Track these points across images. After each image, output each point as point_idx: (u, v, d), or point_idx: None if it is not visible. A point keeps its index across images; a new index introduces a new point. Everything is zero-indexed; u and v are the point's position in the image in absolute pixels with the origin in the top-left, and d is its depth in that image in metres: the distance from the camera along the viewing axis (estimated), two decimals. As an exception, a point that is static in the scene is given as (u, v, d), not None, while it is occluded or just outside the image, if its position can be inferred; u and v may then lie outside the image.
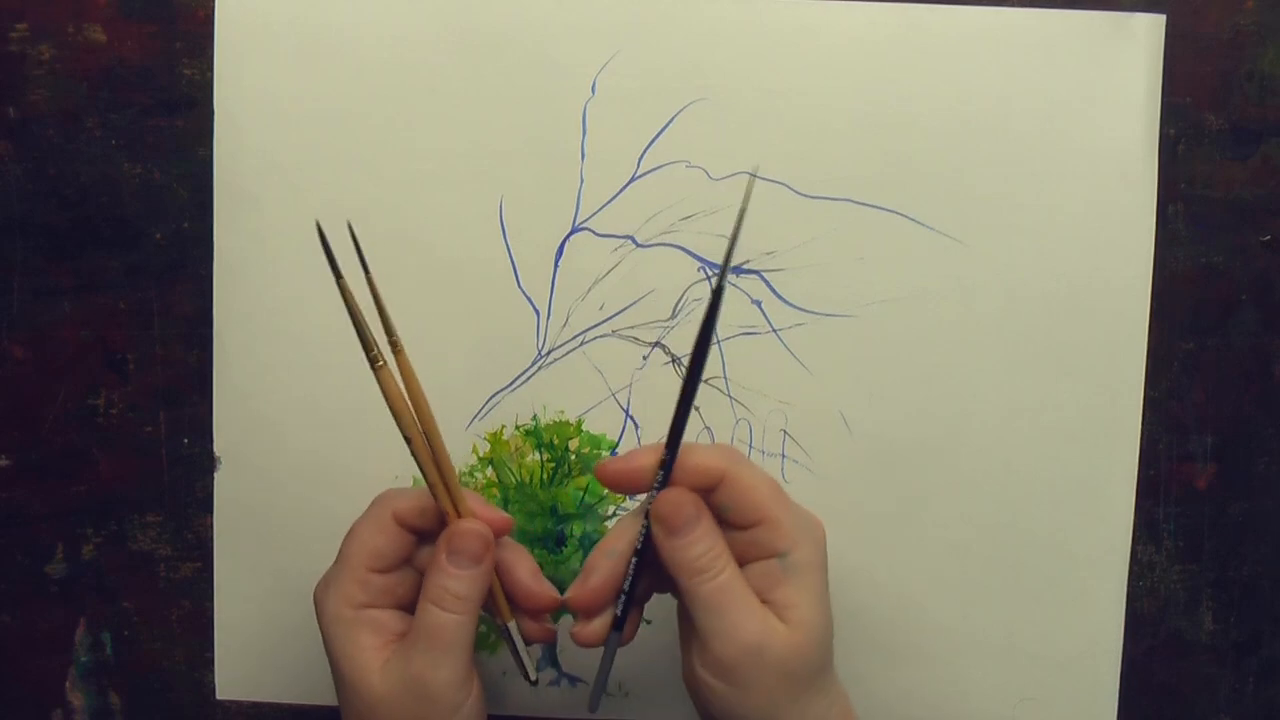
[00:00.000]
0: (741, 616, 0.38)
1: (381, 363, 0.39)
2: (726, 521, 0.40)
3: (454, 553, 0.39)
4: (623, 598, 0.41)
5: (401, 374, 0.40)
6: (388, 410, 0.48)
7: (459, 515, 0.40)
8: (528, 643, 0.42)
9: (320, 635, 0.41)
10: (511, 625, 0.42)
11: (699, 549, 0.39)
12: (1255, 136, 0.48)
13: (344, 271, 0.39)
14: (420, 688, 0.39)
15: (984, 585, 0.49)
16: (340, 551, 0.41)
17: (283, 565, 0.49)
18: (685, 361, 0.48)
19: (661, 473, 0.40)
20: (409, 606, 0.41)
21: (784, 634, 0.38)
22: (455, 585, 0.39)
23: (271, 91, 0.48)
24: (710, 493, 0.40)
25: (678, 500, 0.39)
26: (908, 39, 0.47)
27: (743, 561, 0.40)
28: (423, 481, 0.49)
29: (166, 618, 0.50)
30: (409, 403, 0.40)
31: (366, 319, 0.39)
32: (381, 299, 0.39)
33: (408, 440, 0.40)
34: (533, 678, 0.43)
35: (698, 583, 0.39)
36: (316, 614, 0.41)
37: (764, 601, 0.39)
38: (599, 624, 0.41)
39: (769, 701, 0.38)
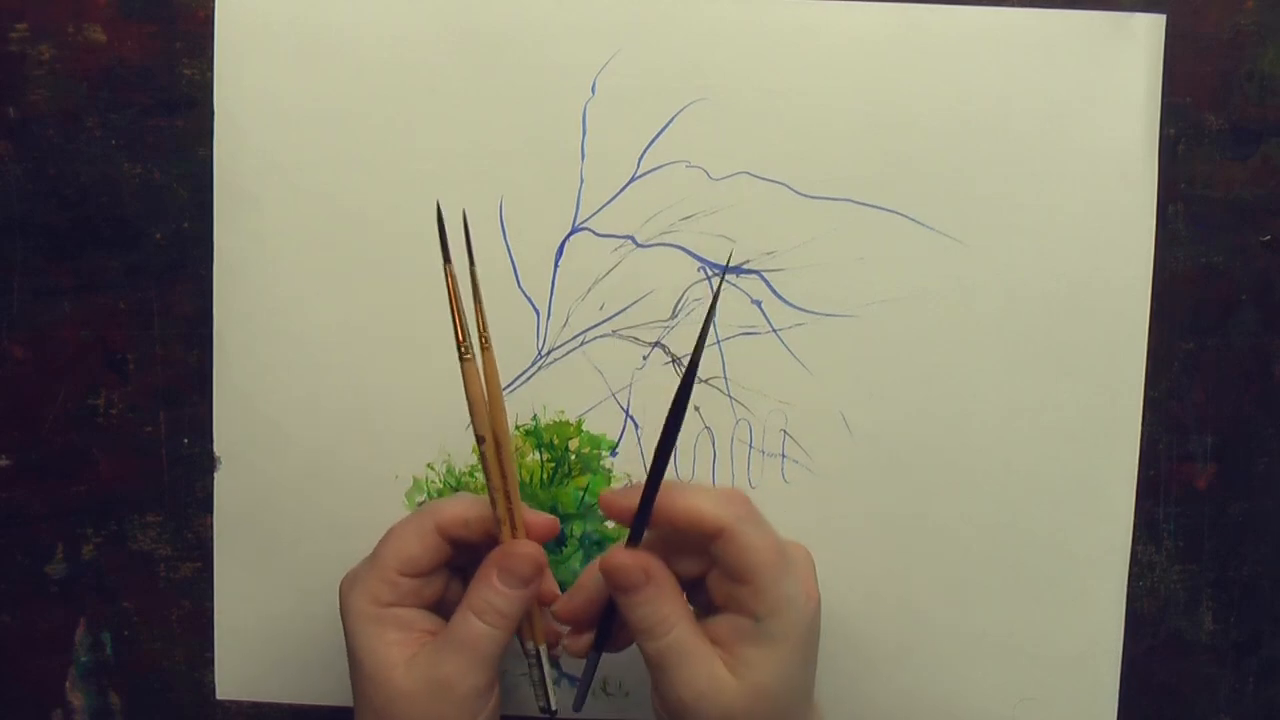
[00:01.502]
0: (686, 673, 0.38)
1: (469, 355, 0.39)
2: (721, 569, 0.40)
3: (506, 572, 0.40)
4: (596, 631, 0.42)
5: (485, 373, 0.40)
6: (386, 411, 0.49)
7: (513, 525, 0.40)
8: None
9: (326, 626, 0.41)
10: (542, 648, 0.42)
11: (644, 611, 0.39)
12: (1255, 136, 0.48)
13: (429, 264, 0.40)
14: (446, 690, 0.39)
15: (984, 585, 0.49)
16: (375, 551, 0.41)
17: (283, 565, 0.49)
18: (684, 363, 0.48)
19: (636, 520, 0.40)
20: (433, 606, 0.42)
21: (734, 691, 0.38)
22: (500, 602, 0.40)
23: (271, 91, 0.48)
24: (711, 540, 0.39)
25: (623, 564, 0.39)
26: (908, 39, 0.47)
27: (724, 608, 0.40)
28: (425, 479, 0.49)
29: (166, 618, 0.50)
30: (488, 402, 0.40)
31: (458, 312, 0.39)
32: (480, 294, 0.39)
33: (480, 439, 0.40)
34: (553, 707, 0.43)
35: (644, 640, 0.39)
36: (340, 607, 0.41)
37: (730, 653, 0.39)
38: (585, 639, 0.42)
39: None
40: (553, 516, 0.42)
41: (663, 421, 0.40)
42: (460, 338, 0.39)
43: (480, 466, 0.49)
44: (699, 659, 0.39)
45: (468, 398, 0.40)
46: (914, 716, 0.49)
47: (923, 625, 0.49)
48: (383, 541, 0.41)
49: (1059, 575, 0.49)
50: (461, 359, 0.39)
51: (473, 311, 0.40)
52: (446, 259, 0.39)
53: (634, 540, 0.40)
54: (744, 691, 0.38)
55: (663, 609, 0.39)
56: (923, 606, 0.49)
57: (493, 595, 0.39)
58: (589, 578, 0.42)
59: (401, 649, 0.40)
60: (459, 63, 0.48)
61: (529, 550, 0.40)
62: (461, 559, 0.42)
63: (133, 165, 0.48)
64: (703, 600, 0.41)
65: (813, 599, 0.40)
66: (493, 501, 0.40)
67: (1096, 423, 0.48)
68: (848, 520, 0.48)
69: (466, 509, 0.41)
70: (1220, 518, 0.49)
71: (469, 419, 0.42)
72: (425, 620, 0.41)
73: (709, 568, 0.41)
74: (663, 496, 0.39)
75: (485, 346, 0.40)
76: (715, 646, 0.39)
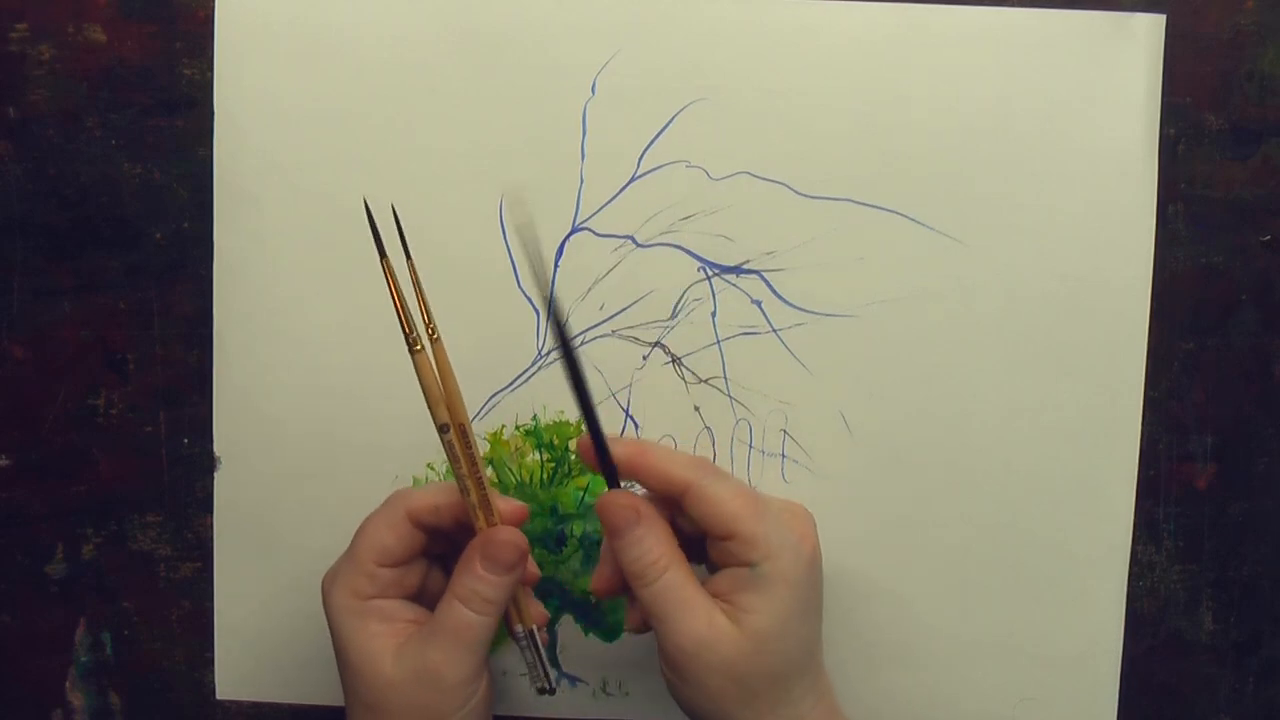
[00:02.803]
0: (685, 621, 0.39)
1: (420, 347, 0.39)
2: (703, 529, 0.40)
3: (489, 559, 0.40)
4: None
5: (438, 364, 0.40)
6: (386, 411, 0.49)
7: (486, 512, 0.40)
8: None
9: (325, 625, 0.41)
10: (533, 629, 0.42)
11: (636, 552, 0.39)
12: (1255, 136, 0.48)
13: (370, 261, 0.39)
14: (435, 679, 0.39)
15: (984, 585, 0.49)
16: (351, 545, 0.41)
17: (283, 565, 0.49)
18: (685, 363, 0.49)
19: (602, 467, 0.41)
20: (415, 595, 0.42)
21: (733, 638, 0.39)
22: (485, 589, 0.40)
23: (271, 91, 0.48)
24: (681, 499, 0.40)
25: (615, 502, 0.40)
26: (908, 39, 0.47)
27: (719, 565, 0.40)
28: (425, 479, 0.49)
29: (166, 618, 0.50)
30: (444, 392, 0.40)
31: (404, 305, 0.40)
32: (422, 286, 0.39)
33: (443, 429, 0.40)
34: (551, 687, 0.43)
35: (637, 586, 0.40)
36: (323, 603, 0.41)
37: (728, 602, 0.39)
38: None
39: (718, 701, 0.39)
40: (522, 503, 0.42)
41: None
42: (407, 329, 0.39)
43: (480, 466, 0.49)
44: (697, 606, 0.39)
45: (423, 389, 0.40)
46: (914, 716, 0.49)
47: (923, 625, 0.49)
48: (357, 535, 0.41)
49: (1059, 575, 0.49)
50: (411, 351, 0.39)
51: (417, 303, 0.40)
52: (382, 254, 0.39)
53: (613, 486, 0.41)
54: (744, 638, 0.39)
55: (654, 550, 0.39)
56: (923, 606, 0.49)
57: (477, 582, 0.39)
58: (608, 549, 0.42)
59: (387, 640, 0.40)
60: (459, 63, 0.48)
61: (510, 537, 0.40)
62: (438, 547, 0.42)
63: (133, 165, 0.48)
64: (706, 565, 0.42)
65: (808, 543, 0.41)
66: (464, 490, 0.40)
67: (1096, 423, 0.48)
68: (848, 520, 0.48)
69: (435, 496, 0.41)
70: (1220, 518, 0.49)
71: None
72: (408, 610, 0.41)
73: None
74: (635, 455, 0.40)
75: (434, 337, 0.40)
76: (716, 599, 0.40)
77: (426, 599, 0.42)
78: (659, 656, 0.40)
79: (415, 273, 0.39)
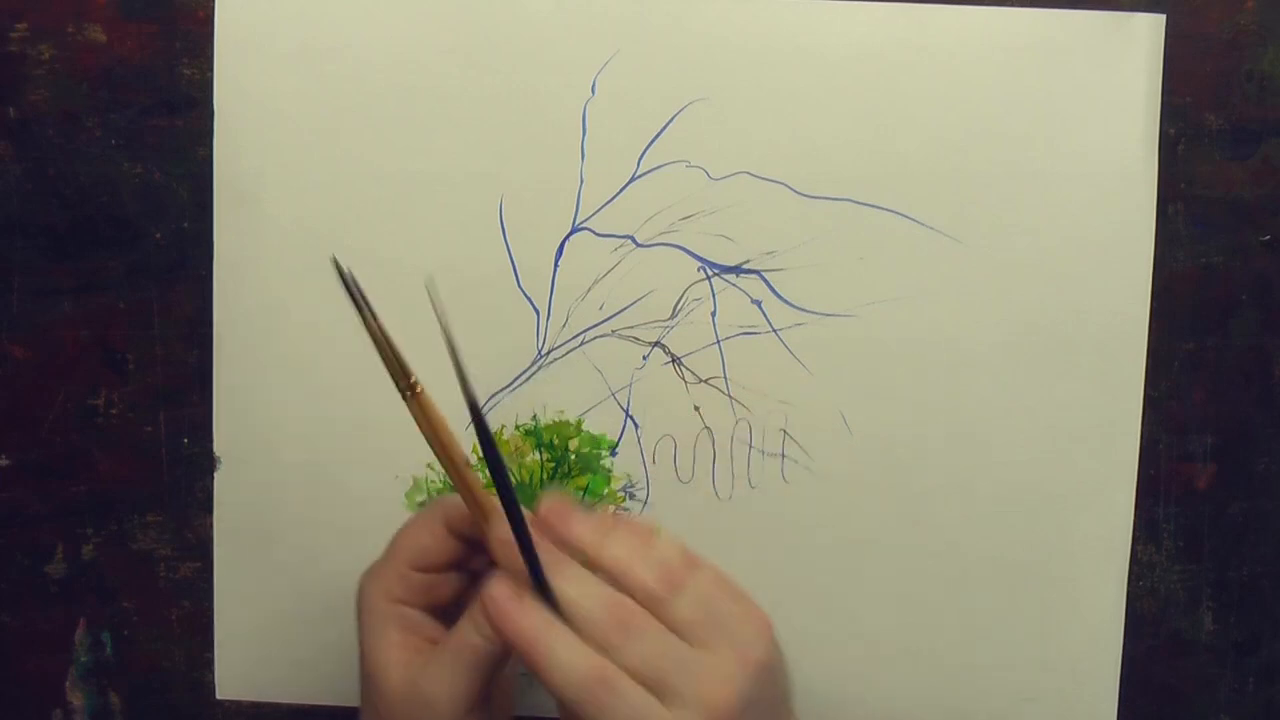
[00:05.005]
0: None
1: (419, 389, 0.38)
2: None
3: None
4: None
5: (425, 412, 0.39)
6: (386, 411, 0.48)
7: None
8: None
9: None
10: None
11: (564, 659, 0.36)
12: (1255, 136, 0.48)
13: (355, 309, 0.38)
14: (426, 697, 0.38)
15: (983, 585, 0.49)
16: (390, 545, 0.41)
17: (283, 565, 0.49)
18: (684, 363, 0.49)
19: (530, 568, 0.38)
20: (444, 611, 0.41)
21: None
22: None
23: (271, 91, 0.48)
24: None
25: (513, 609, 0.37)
26: (908, 39, 0.47)
27: None
28: (425, 479, 0.49)
29: (166, 618, 0.50)
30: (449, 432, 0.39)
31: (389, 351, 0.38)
32: (393, 341, 0.38)
33: (450, 465, 0.39)
34: None
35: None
36: (356, 599, 0.40)
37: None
38: None
39: None
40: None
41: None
42: (405, 375, 0.38)
43: (480, 467, 0.49)
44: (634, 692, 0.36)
45: (431, 432, 0.38)
46: (914, 717, 0.49)
47: (922, 625, 0.49)
48: (397, 535, 0.41)
49: (1059, 575, 0.49)
50: (406, 396, 0.38)
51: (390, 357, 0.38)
52: (361, 310, 0.37)
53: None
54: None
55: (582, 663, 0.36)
56: (922, 606, 0.49)
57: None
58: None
59: (399, 652, 0.39)
60: (458, 63, 0.48)
61: (502, 595, 0.38)
62: (477, 562, 0.41)
63: (133, 165, 0.48)
64: None
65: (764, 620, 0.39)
66: (481, 521, 0.39)
67: (1096, 423, 0.48)
68: (848, 520, 0.48)
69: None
70: (1220, 518, 0.49)
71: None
72: (429, 626, 0.40)
73: None
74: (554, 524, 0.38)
75: (417, 392, 0.38)
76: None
77: (457, 617, 0.40)
78: None
79: (384, 329, 0.38)
